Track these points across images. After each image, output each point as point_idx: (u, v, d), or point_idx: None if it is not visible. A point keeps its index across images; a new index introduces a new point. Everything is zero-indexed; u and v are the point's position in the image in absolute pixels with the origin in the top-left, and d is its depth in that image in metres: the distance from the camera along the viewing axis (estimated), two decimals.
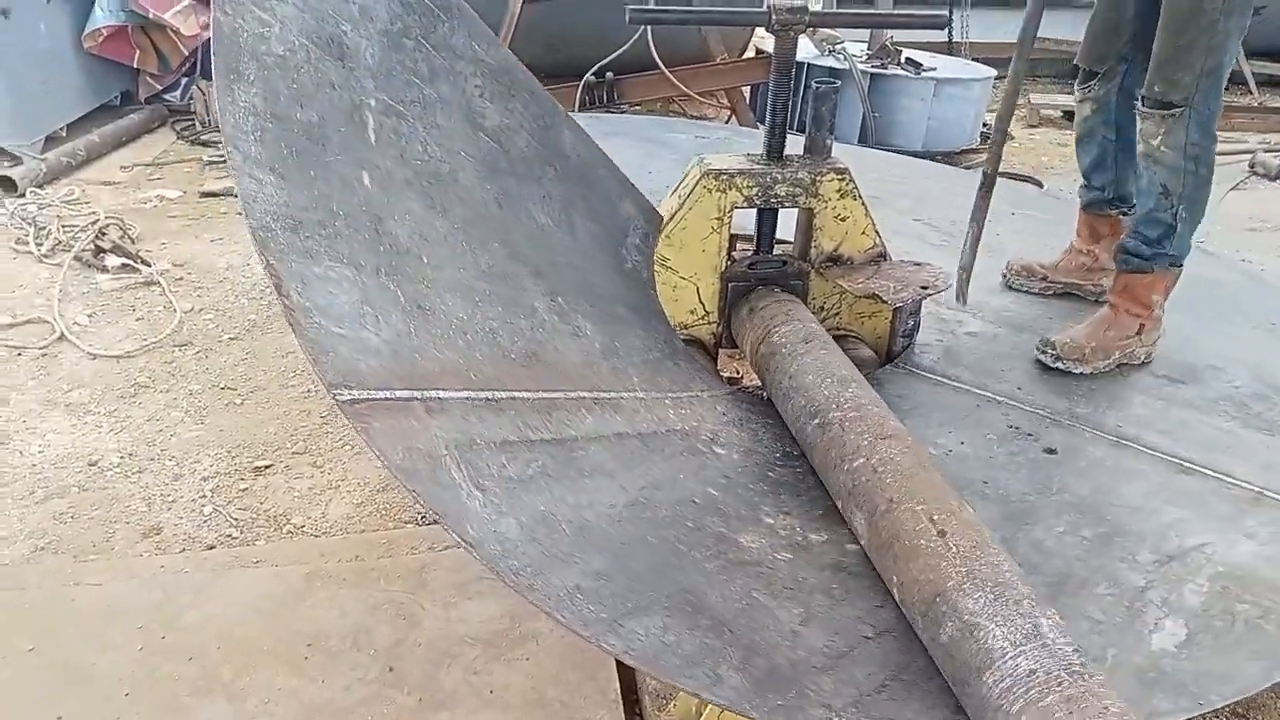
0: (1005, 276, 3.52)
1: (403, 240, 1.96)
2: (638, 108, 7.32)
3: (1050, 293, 3.44)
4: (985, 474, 2.40)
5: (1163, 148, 2.79)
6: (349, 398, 1.48)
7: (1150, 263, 2.92)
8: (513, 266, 2.32)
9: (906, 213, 4.04)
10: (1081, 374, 2.87)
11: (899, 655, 1.71)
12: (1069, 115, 8.58)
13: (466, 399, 1.79)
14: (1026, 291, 3.47)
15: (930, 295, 2.81)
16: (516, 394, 1.95)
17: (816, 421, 2.22)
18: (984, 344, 3.08)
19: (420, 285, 1.93)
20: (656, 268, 2.82)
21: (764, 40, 8.02)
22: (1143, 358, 2.98)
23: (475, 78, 2.49)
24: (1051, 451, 2.50)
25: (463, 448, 1.65)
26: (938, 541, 1.70)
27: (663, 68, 6.63)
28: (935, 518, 1.76)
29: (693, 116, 7.49)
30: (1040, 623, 1.50)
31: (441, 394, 1.73)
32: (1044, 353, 2.94)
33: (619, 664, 2.31)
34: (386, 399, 1.57)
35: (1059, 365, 2.90)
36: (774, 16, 2.64)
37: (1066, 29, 10.24)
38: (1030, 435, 2.57)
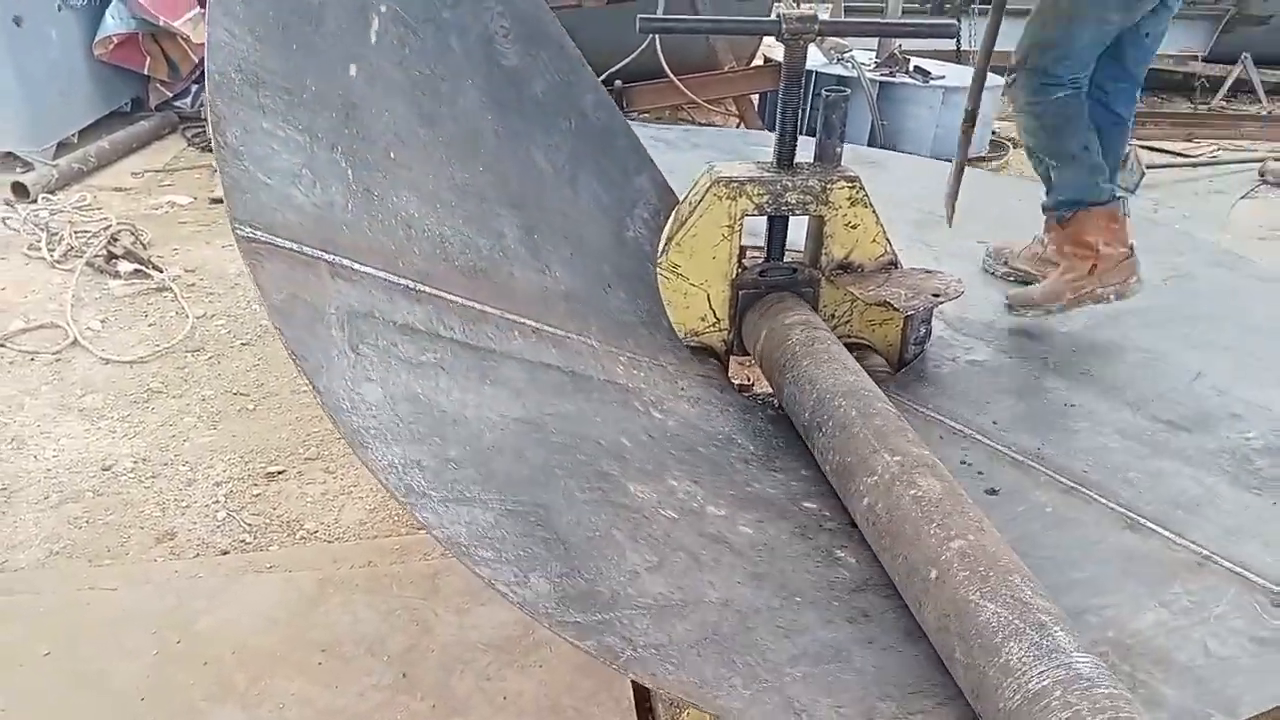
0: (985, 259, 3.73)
1: (373, 131, 1.99)
2: (645, 115, 7.34)
3: (1011, 279, 3.59)
4: None
5: (1018, 112, 3.24)
6: (248, 234, 1.49)
7: (1057, 212, 3.23)
8: (492, 192, 2.33)
9: (972, 234, 3.90)
10: (1076, 410, 2.79)
11: (731, 623, 1.68)
12: None
13: (383, 279, 1.80)
14: (993, 274, 3.65)
15: (942, 303, 2.81)
16: (443, 293, 1.95)
17: (828, 428, 2.23)
18: (982, 374, 2.99)
19: (377, 174, 1.96)
20: (666, 274, 2.83)
21: (772, 48, 8.04)
22: (1112, 297, 3.16)
23: (502, 18, 2.51)
24: (993, 493, 2.38)
25: (355, 315, 1.66)
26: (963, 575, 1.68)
27: (671, 76, 6.65)
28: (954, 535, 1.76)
29: (700, 124, 7.50)
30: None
31: (356, 265, 1.74)
32: (1009, 310, 3.27)
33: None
34: (291, 249, 1.58)
35: (1016, 315, 3.21)
36: (784, 25, 2.65)
37: None
38: (980, 474, 2.46)
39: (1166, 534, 2.23)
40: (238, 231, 1.49)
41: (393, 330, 1.74)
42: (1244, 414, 2.77)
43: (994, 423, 2.70)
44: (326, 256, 1.68)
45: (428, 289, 1.92)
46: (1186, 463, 2.53)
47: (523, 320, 2.18)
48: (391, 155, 2.02)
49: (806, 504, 2.23)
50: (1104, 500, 2.35)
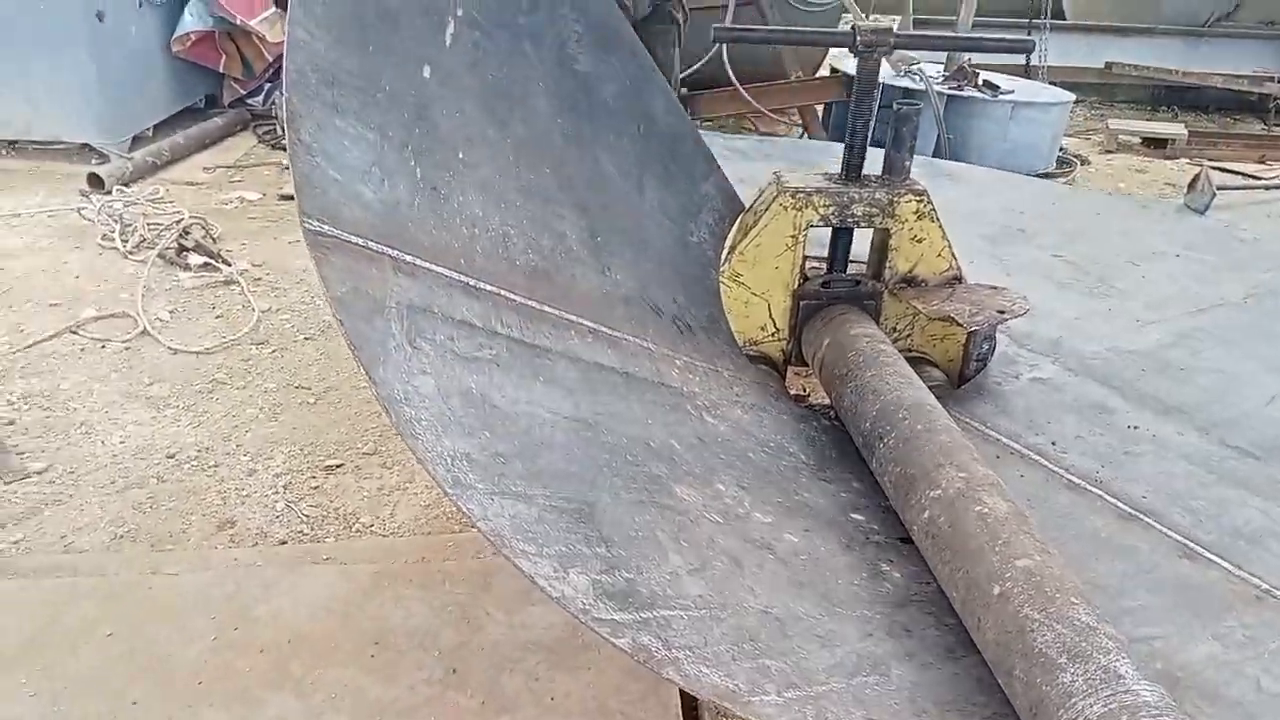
0: None
1: (443, 130, 2.01)
2: (709, 123, 7.34)
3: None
4: None
5: None
6: (316, 228, 1.51)
7: None
8: (557, 194, 2.34)
9: (1047, 247, 3.82)
10: (1140, 433, 2.70)
11: (770, 629, 1.66)
12: (1147, 141, 8.46)
13: (444, 275, 1.82)
14: None
15: (1007, 320, 2.77)
16: (503, 291, 1.96)
17: (890, 440, 2.21)
18: (1044, 392, 2.92)
19: (444, 173, 1.97)
20: (728, 282, 2.83)
21: (836, 59, 8.00)
22: None
23: (576, 24, 2.52)
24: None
25: (414, 309, 1.67)
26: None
27: (737, 84, 6.65)
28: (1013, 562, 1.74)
29: (764, 133, 7.49)
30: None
31: (419, 262, 1.76)
32: None
33: None
34: (356, 244, 1.60)
35: None
36: (858, 38, 2.64)
37: (1147, 55, 10.10)
38: (1028, 500, 2.37)
39: (1225, 565, 2.16)
40: (306, 224, 1.52)
41: (450, 325, 1.76)
42: None
43: (1053, 444, 2.64)
44: (390, 252, 1.70)
45: (487, 286, 1.93)
46: (1254, 492, 2.44)
47: (580, 321, 2.18)
48: (460, 155, 2.05)
49: (855, 515, 2.21)
50: (1161, 527, 2.28)
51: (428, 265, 1.79)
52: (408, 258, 1.74)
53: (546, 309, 2.10)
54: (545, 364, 1.98)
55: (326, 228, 1.55)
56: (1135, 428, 2.73)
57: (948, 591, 1.86)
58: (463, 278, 1.89)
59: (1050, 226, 3.71)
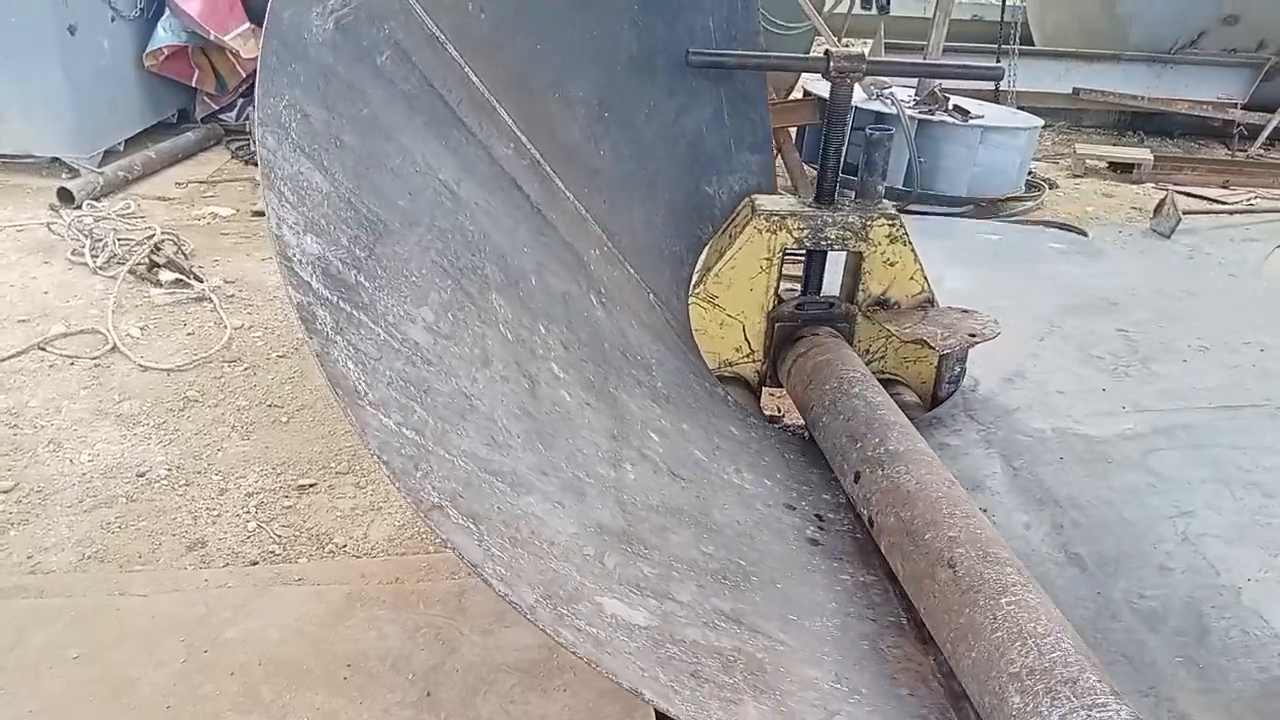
0: None
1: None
2: None
3: None
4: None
5: None
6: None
7: None
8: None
9: (1112, 318, 3.65)
10: None
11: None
12: (1114, 166, 8.58)
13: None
14: None
15: (978, 343, 2.81)
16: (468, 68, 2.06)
17: (860, 464, 2.23)
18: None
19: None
20: (701, 304, 2.84)
21: (810, 82, 8.07)
22: None
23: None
24: None
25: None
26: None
27: None
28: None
29: None
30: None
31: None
32: None
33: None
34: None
35: None
36: (831, 63, 2.68)
37: (1114, 81, 10.27)
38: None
39: None
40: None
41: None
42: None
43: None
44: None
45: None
46: None
47: (521, 136, 2.28)
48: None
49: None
50: None
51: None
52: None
53: (498, 108, 2.15)
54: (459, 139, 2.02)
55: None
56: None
57: (941, 645, 1.86)
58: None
59: (1138, 302, 3.54)
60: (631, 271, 2.65)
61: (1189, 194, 8.00)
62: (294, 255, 1.42)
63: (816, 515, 2.34)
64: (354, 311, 1.49)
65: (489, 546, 1.43)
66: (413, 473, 1.40)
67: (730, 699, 1.53)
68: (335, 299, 1.46)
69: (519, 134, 2.29)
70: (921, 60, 8.28)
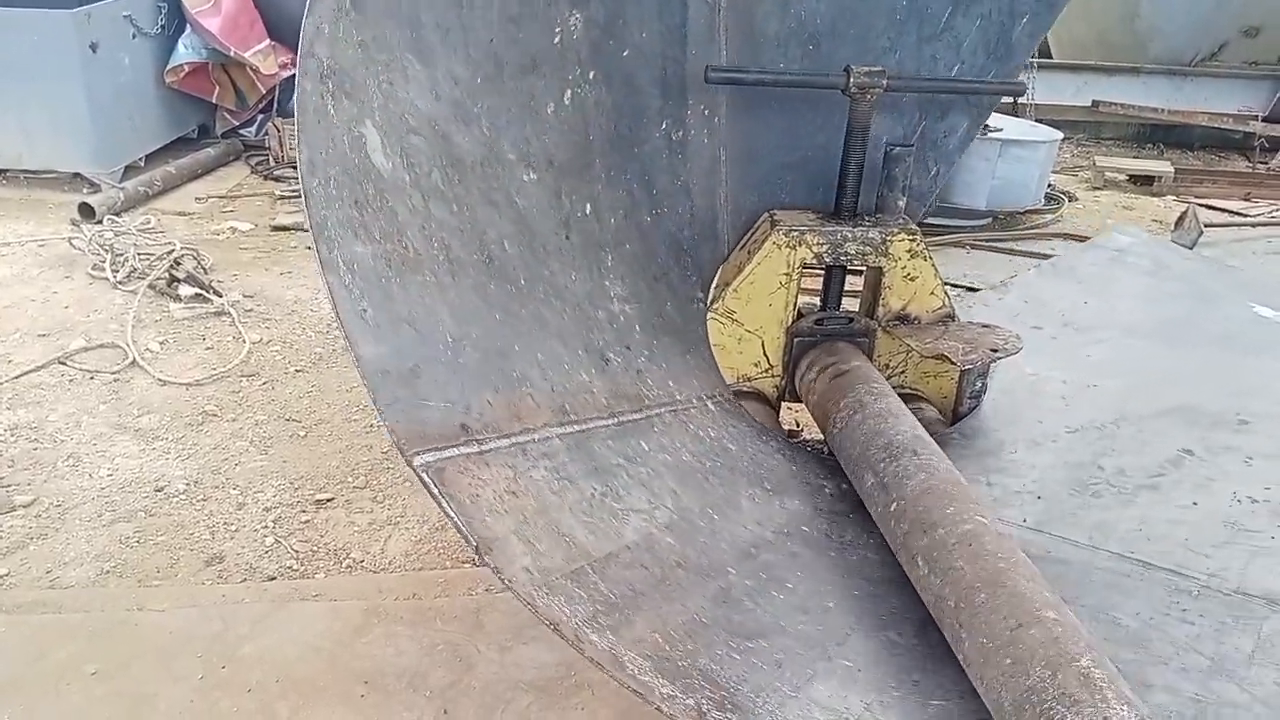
0: None
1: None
2: None
3: None
4: None
5: None
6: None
7: None
8: None
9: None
10: None
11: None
12: (1134, 179, 8.53)
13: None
14: None
15: (1000, 358, 2.78)
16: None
17: (881, 480, 2.21)
18: None
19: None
20: (720, 319, 2.83)
21: None
22: None
23: None
24: None
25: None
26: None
27: None
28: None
29: None
30: None
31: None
32: None
33: None
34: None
35: None
36: (852, 80, 2.66)
37: (1133, 93, 10.21)
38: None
39: None
40: None
41: None
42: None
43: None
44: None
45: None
46: None
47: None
48: None
49: None
50: None
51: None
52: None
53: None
54: None
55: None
56: None
57: (955, 649, 1.84)
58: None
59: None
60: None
61: (1210, 206, 7.94)
62: None
63: (839, 532, 2.32)
64: None
65: None
66: None
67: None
68: None
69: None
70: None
